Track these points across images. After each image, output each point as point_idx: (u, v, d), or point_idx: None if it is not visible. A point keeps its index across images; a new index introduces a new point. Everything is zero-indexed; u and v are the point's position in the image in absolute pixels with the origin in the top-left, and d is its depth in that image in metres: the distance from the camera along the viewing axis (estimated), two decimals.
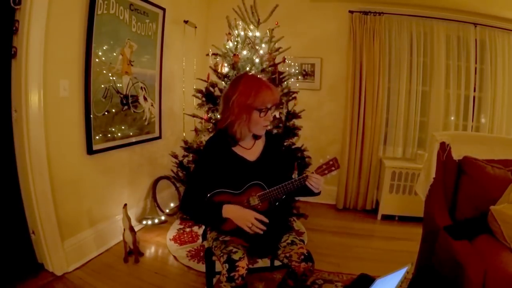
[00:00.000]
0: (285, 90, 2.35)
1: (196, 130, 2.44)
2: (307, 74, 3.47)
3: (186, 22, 3.11)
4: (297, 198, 2.35)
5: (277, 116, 2.30)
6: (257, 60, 2.26)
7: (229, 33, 2.34)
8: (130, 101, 2.52)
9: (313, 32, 3.39)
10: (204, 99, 2.33)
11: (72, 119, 2.06)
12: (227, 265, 1.26)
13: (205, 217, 1.44)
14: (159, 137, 2.96)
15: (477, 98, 3.25)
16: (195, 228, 2.69)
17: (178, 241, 2.51)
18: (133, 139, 2.61)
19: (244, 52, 2.26)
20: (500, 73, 3.14)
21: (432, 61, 3.21)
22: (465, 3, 2.91)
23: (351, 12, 3.18)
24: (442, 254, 1.63)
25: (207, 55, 2.53)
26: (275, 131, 2.31)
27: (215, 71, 2.32)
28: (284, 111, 2.34)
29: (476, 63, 3.18)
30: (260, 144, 1.50)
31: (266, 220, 1.34)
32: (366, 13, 3.14)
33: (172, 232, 2.67)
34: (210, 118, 2.35)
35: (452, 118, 3.25)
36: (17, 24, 1.70)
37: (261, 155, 1.48)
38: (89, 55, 2.06)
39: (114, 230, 2.42)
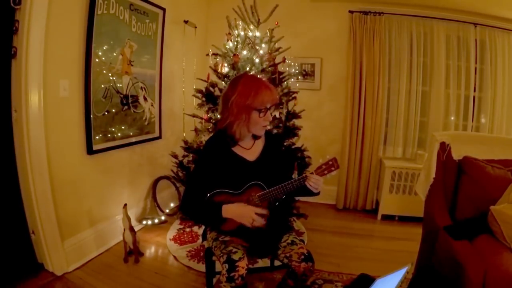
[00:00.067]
0: (285, 90, 2.35)
1: (196, 130, 2.44)
2: (307, 74, 3.47)
3: (186, 22, 3.11)
4: (297, 198, 2.35)
5: (277, 116, 2.30)
6: (257, 60, 2.26)
7: (229, 33, 2.34)
8: (130, 101, 2.52)
9: (313, 32, 3.39)
10: (204, 99, 2.33)
11: (72, 119, 2.06)
12: (227, 265, 1.26)
13: (205, 217, 1.45)
14: (159, 137, 2.96)
15: (477, 98, 3.25)
16: (195, 228, 2.69)
17: (178, 241, 2.51)
18: (133, 139, 2.61)
19: (244, 52, 2.26)
20: (500, 73, 3.14)
21: (432, 61, 3.21)
22: (465, 3, 2.91)
23: (351, 12, 3.18)
24: (442, 254, 1.63)
25: (207, 55, 2.54)
26: (275, 131, 2.31)
27: (215, 71, 2.32)
28: (284, 111, 2.34)
29: (476, 63, 3.18)
30: (259, 144, 1.50)
31: (266, 212, 1.35)
32: (366, 13, 3.14)
33: (172, 232, 2.67)
34: (210, 118, 2.35)
35: (452, 118, 3.25)
36: (17, 24, 1.70)
37: (261, 155, 1.48)
38: (89, 55, 2.06)
39: (114, 230, 2.42)
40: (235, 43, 2.28)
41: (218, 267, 1.43)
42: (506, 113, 3.21)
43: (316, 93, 3.49)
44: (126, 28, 2.38)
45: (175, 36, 3.06)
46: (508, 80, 3.15)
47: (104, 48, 2.20)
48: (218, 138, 1.46)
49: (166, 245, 2.47)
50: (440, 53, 3.15)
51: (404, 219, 3.11)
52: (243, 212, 1.33)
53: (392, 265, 1.25)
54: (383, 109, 3.27)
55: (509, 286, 1.26)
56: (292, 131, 2.37)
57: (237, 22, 2.33)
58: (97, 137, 2.23)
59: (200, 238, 2.52)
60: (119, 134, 2.44)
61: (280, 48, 2.35)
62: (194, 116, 2.45)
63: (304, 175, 1.34)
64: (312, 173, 1.34)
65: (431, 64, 3.22)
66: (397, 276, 1.17)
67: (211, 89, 2.33)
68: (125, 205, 2.18)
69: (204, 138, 2.35)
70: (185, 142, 2.44)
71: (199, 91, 2.35)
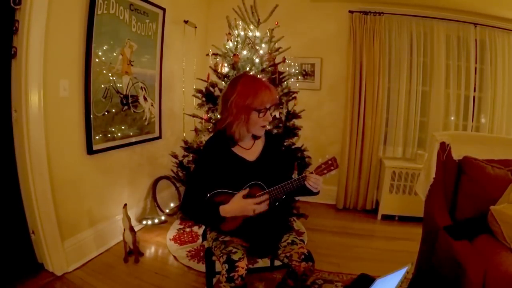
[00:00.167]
0: (285, 90, 2.35)
1: (196, 130, 2.44)
2: (307, 74, 3.47)
3: (186, 22, 3.11)
4: (297, 198, 2.35)
5: (277, 116, 2.30)
6: (257, 60, 2.26)
7: (229, 33, 2.34)
8: (130, 101, 2.52)
9: (313, 32, 3.39)
10: (204, 99, 2.33)
11: (72, 119, 2.06)
12: (226, 265, 1.26)
13: (205, 217, 1.44)
14: (159, 137, 2.96)
15: (477, 98, 3.25)
16: (195, 228, 2.69)
17: (178, 241, 2.51)
18: (133, 139, 2.61)
19: (244, 52, 2.27)
20: (500, 73, 3.14)
21: (432, 61, 3.21)
22: (465, 3, 2.91)
23: (351, 12, 3.18)
24: (442, 254, 1.63)
25: (207, 55, 2.54)
26: (275, 131, 2.31)
27: (215, 71, 2.32)
28: (284, 111, 2.34)
29: (476, 63, 3.18)
30: (259, 144, 1.50)
31: (264, 198, 1.34)
32: (366, 13, 3.14)
33: (172, 232, 2.67)
34: (210, 118, 2.35)
35: (452, 118, 3.25)
36: (17, 24, 1.70)
37: (261, 155, 1.48)
38: (89, 55, 2.06)
39: (114, 230, 2.42)
40: (235, 43, 2.28)
41: (218, 267, 1.43)
42: (506, 113, 3.21)
43: (316, 93, 3.49)
44: (126, 28, 2.38)
45: (175, 36, 3.07)
46: (508, 80, 3.15)
47: (104, 48, 2.20)
48: (218, 138, 1.46)
49: (166, 245, 2.47)
50: (440, 53, 3.15)
51: (404, 219, 3.11)
52: (242, 206, 1.33)
53: (392, 265, 1.25)
54: (383, 109, 3.27)
55: (509, 286, 1.26)
56: (292, 131, 2.37)
57: (237, 22, 2.33)
58: (97, 137, 2.23)
59: (200, 238, 2.52)
60: (119, 134, 2.44)
61: (280, 48, 2.35)
62: (194, 116, 2.45)
63: (303, 174, 1.34)
64: (311, 173, 1.34)
65: (431, 64, 3.22)
66: (397, 276, 1.17)
67: (211, 89, 2.33)
68: (125, 205, 2.18)
69: (204, 138, 2.35)
70: (185, 142, 2.44)
71: (199, 91, 2.35)
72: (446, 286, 1.50)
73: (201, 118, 2.41)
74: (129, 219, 2.15)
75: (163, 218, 2.85)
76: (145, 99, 2.70)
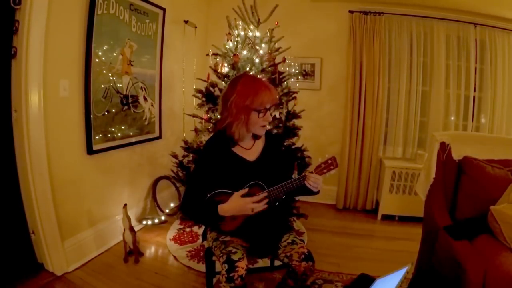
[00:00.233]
0: (285, 90, 2.35)
1: (196, 130, 2.44)
2: (307, 74, 3.47)
3: (186, 22, 3.11)
4: (297, 198, 2.36)
5: (277, 116, 2.30)
6: (257, 60, 2.26)
7: (229, 33, 2.34)
8: (130, 101, 2.52)
9: (313, 32, 3.39)
10: (204, 99, 2.33)
11: (72, 119, 2.06)
12: (226, 265, 1.26)
13: (205, 217, 1.44)
14: (159, 137, 2.96)
15: (477, 98, 3.25)
16: (195, 228, 2.69)
17: (178, 241, 2.51)
18: (133, 139, 2.61)
19: (244, 52, 2.27)
20: (500, 73, 3.14)
21: (432, 61, 3.21)
22: (465, 3, 2.91)
23: (351, 12, 3.18)
24: (442, 254, 1.63)
25: (207, 55, 2.54)
26: (275, 131, 2.31)
27: (215, 71, 2.32)
28: (284, 111, 2.34)
29: (476, 63, 3.18)
30: (259, 144, 1.50)
31: (262, 196, 1.34)
32: (366, 13, 3.14)
33: (172, 232, 2.67)
34: (210, 118, 2.35)
35: (452, 118, 3.25)
36: (17, 24, 1.70)
37: (261, 155, 1.48)
38: (89, 55, 2.06)
39: (114, 230, 2.42)
40: (235, 43, 2.28)
41: (218, 267, 1.43)
42: (506, 113, 3.21)
43: (316, 93, 3.49)
44: (126, 28, 2.38)
45: (175, 36, 3.07)
46: (508, 80, 3.15)
47: (104, 48, 2.20)
48: (218, 138, 1.46)
49: (166, 245, 2.47)
50: (440, 53, 3.15)
51: (404, 219, 3.11)
52: (240, 205, 1.32)
53: (392, 265, 1.25)
54: (383, 109, 3.27)
55: (509, 286, 1.26)
56: (292, 131, 2.37)
57: (237, 22, 2.33)
58: (97, 137, 2.23)
59: (200, 238, 2.52)
60: (119, 134, 2.44)
61: (280, 48, 2.35)
62: (194, 116, 2.45)
63: (303, 174, 1.34)
64: (311, 172, 1.34)
65: (431, 64, 3.22)
66: (397, 276, 1.17)
67: (211, 89, 2.33)
68: (125, 205, 2.18)
69: (204, 138, 2.35)
70: (185, 142, 2.44)
71: (199, 91, 2.35)
72: (446, 286, 1.50)
73: (201, 118, 2.41)
74: (129, 219, 2.15)
75: (163, 218, 2.85)
76: (145, 99, 2.70)
